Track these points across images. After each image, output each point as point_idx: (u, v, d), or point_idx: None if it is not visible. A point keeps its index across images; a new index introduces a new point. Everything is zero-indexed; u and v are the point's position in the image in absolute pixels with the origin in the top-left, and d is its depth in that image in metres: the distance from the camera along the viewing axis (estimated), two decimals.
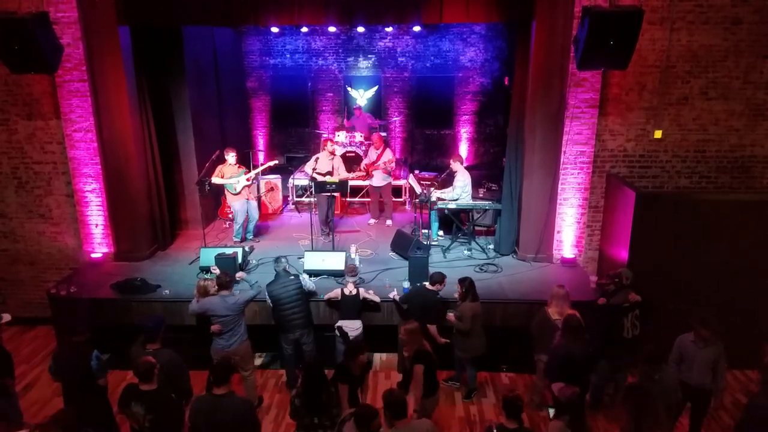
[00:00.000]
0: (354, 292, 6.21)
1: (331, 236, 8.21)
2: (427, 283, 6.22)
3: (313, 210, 9.00)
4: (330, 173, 8.39)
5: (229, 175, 8.09)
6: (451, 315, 6.04)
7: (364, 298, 6.28)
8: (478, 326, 6.02)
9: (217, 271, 6.25)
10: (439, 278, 6.13)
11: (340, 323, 6.16)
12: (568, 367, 4.88)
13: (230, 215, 8.87)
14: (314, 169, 8.49)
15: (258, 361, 7.01)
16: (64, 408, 4.14)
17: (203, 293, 5.83)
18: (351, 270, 6.33)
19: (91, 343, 5.17)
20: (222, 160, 8.17)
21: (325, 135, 11.60)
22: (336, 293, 6.28)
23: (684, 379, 5.17)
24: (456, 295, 6.05)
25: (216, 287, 5.81)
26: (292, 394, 4.94)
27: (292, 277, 6.20)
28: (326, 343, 6.48)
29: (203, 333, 5.98)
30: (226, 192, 8.35)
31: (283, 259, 6.29)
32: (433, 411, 5.27)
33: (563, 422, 4.07)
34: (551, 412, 4.33)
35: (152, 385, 4.35)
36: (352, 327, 6.13)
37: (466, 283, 5.92)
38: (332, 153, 8.55)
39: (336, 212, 9.49)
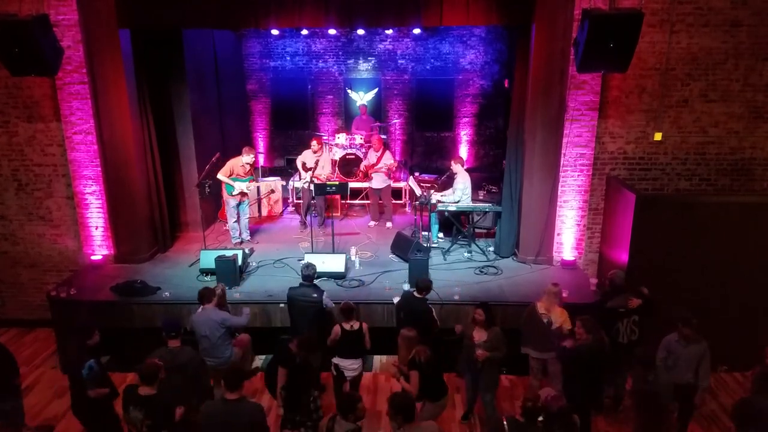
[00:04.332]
0: (356, 326, 5.58)
1: (304, 230, 8.46)
2: (414, 291, 5.95)
3: (313, 212, 9.00)
4: (312, 169, 8.64)
5: (237, 174, 8.10)
6: (480, 352, 5.38)
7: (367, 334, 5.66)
8: None
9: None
10: (426, 285, 5.85)
11: (336, 360, 5.67)
12: (580, 365, 5.00)
13: None
14: (304, 163, 8.76)
15: (257, 364, 7.00)
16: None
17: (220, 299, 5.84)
18: (346, 310, 5.59)
19: (90, 351, 4.93)
20: (222, 163, 8.15)
21: (325, 137, 11.62)
22: (336, 332, 5.58)
23: (672, 379, 5.23)
24: (474, 320, 5.51)
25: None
26: (280, 386, 4.96)
27: (315, 295, 5.87)
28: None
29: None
30: (222, 187, 8.26)
31: (311, 267, 5.99)
32: (438, 415, 5.25)
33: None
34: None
35: (152, 390, 4.33)
36: (351, 367, 5.65)
37: (487, 307, 5.49)
38: (315, 151, 8.88)
39: (336, 214, 9.51)
